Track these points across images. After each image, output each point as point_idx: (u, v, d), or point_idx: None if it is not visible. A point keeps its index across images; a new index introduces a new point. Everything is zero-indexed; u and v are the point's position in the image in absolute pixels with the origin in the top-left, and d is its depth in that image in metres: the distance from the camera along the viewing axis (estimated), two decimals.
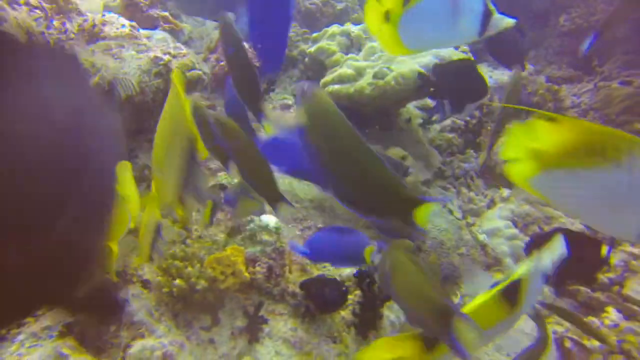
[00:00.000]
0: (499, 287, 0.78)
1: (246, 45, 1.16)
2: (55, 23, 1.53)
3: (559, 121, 0.61)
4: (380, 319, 1.31)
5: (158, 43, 1.53)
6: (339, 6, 3.34)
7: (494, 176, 2.21)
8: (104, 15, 1.50)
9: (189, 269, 1.05)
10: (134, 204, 0.92)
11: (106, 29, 1.47)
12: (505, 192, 2.03)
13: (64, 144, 0.30)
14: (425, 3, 0.80)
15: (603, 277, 1.66)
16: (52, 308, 0.70)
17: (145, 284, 1.17)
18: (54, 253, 0.31)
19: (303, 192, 1.81)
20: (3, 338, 0.82)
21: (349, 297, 1.30)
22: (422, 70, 1.94)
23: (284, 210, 0.85)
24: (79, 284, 0.35)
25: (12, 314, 0.35)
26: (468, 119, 2.61)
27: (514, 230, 1.79)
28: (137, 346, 0.90)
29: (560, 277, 1.34)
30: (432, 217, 1.70)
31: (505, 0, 3.74)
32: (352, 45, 2.40)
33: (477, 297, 0.81)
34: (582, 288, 1.58)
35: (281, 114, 2.04)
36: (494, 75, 2.76)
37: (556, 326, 1.50)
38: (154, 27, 2.14)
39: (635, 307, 1.48)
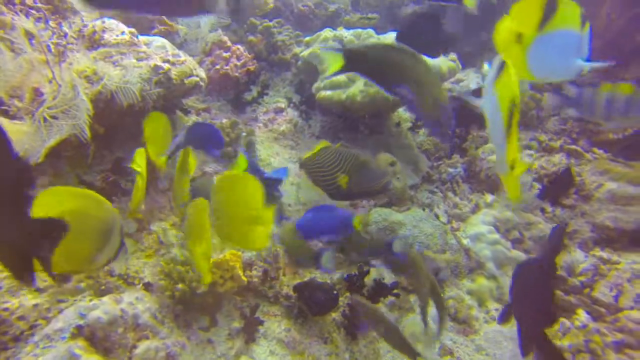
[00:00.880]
0: None
1: None
2: (52, 24, 1.55)
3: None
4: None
5: (157, 50, 1.56)
6: (331, 8, 3.38)
7: (479, 181, 2.31)
8: (104, 22, 1.52)
9: (191, 273, 1.11)
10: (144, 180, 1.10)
11: (106, 35, 1.50)
12: (489, 197, 2.13)
13: None
14: (559, 33, 0.87)
15: (575, 280, 1.77)
16: None
17: (147, 286, 1.22)
18: None
19: (304, 197, 1.87)
20: (17, 339, 0.87)
21: (340, 299, 1.38)
22: None
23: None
24: None
25: None
26: (453, 122, 2.70)
27: (496, 236, 1.89)
28: (142, 347, 0.96)
29: None
30: (419, 221, 1.79)
31: (488, 10, 3.82)
32: None
33: None
34: (557, 292, 1.69)
35: None
36: (481, 82, 2.85)
37: None
38: (150, 29, 2.16)
39: (602, 309, 1.60)
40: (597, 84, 1.54)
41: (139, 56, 1.48)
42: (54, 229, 0.69)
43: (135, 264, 1.32)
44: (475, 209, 2.15)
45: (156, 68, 1.45)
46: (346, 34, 2.50)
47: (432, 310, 1.64)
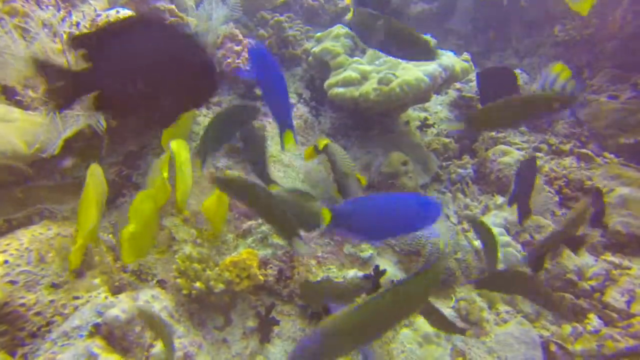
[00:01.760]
0: None
1: None
2: (63, 12, 1.51)
3: None
4: None
5: None
6: (341, 4, 3.35)
7: (488, 183, 2.30)
8: (118, 12, 1.48)
9: (208, 272, 1.09)
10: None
11: None
12: (499, 199, 2.12)
13: None
14: None
15: (585, 284, 1.77)
16: None
17: (162, 283, 1.20)
18: None
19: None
20: (34, 335, 0.85)
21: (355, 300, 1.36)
22: (426, 79, 1.99)
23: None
24: None
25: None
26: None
27: (507, 238, 1.88)
28: (159, 346, 0.94)
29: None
30: None
31: (500, 9, 3.81)
32: (356, 48, 2.43)
33: None
34: (567, 295, 1.69)
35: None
36: None
37: (542, 330, 1.61)
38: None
39: (614, 314, 1.60)
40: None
41: None
42: None
43: (148, 260, 1.30)
44: (485, 210, 2.14)
45: None
46: None
47: (445, 312, 1.63)
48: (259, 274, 1.17)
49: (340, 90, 2.12)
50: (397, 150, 2.21)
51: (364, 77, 2.15)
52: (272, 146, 2.01)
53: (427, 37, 2.51)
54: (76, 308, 0.96)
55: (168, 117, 0.77)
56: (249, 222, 1.41)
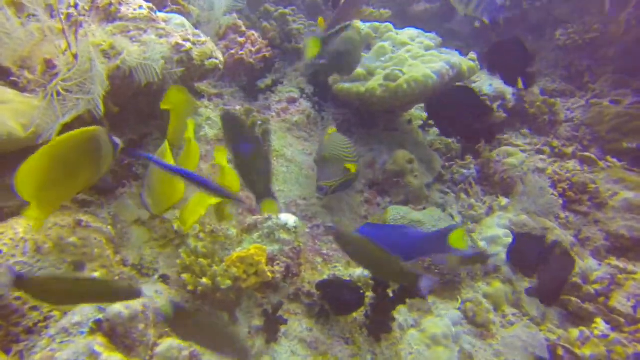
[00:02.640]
0: None
1: None
2: None
3: None
4: (392, 321, 1.34)
5: (177, 28, 1.46)
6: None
7: (492, 184, 2.28)
8: None
9: (215, 267, 1.03)
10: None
11: (123, 9, 1.40)
12: (504, 200, 2.10)
13: None
14: None
15: (590, 288, 1.75)
16: None
17: (164, 279, 1.14)
18: None
19: (312, 191, 1.80)
20: (30, 331, 0.78)
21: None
22: (434, 76, 1.96)
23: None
24: None
25: None
26: None
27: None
28: (164, 345, 0.88)
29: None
30: (438, 221, 1.74)
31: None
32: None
33: None
34: (573, 298, 1.67)
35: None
36: (493, 83, 2.83)
37: (548, 334, 1.59)
38: (162, 8, 2.05)
39: (621, 319, 1.58)
40: None
41: (159, 33, 1.38)
42: None
43: (149, 253, 1.23)
44: (489, 211, 2.12)
45: (177, 46, 1.35)
46: (363, 26, 2.44)
47: (452, 313, 1.60)
48: (267, 271, 1.12)
49: (346, 85, 2.07)
50: (401, 148, 2.18)
51: (370, 73, 2.11)
52: (275, 141, 1.96)
53: (432, 34, 2.48)
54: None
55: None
56: (254, 217, 1.36)
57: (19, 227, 0.95)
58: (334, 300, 1.25)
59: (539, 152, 2.48)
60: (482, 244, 1.88)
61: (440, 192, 2.25)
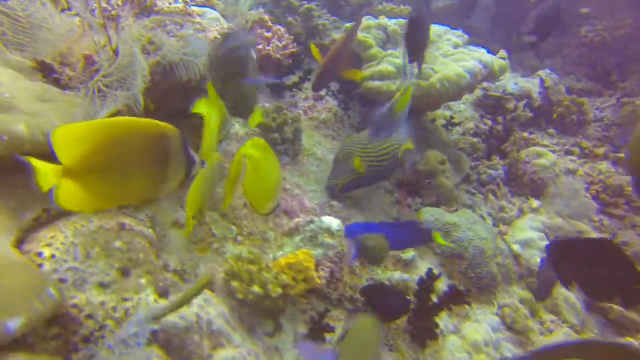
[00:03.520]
0: None
1: None
2: None
3: None
4: (437, 327, 1.30)
5: (212, 23, 1.42)
6: None
7: (521, 185, 2.23)
8: None
9: (266, 274, 1.00)
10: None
11: (159, 2, 1.35)
12: (535, 203, 2.05)
13: None
14: None
15: None
16: None
17: (210, 285, 1.10)
18: None
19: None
20: (87, 340, 0.75)
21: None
22: (467, 75, 1.91)
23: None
24: None
25: None
26: (490, 123, 2.61)
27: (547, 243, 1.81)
28: (218, 357, 0.85)
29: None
30: (473, 224, 1.70)
31: (521, 10, 3.73)
32: (389, 40, 2.33)
33: None
34: (615, 306, 1.62)
35: None
36: (519, 82, 2.77)
37: None
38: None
39: None
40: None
41: (196, 27, 1.34)
42: None
43: (190, 258, 1.20)
44: (520, 213, 2.07)
45: (215, 41, 1.31)
46: (390, 23, 2.38)
47: (490, 319, 1.56)
48: (316, 277, 1.09)
49: (376, 83, 2.02)
50: (428, 148, 2.13)
51: (400, 71, 2.06)
52: (305, 139, 1.91)
53: (459, 31, 2.43)
54: (127, 311, 0.86)
55: None
56: (296, 220, 1.32)
57: (68, 230, 0.92)
58: (379, 307, 1.21)
59: (568, 152, 2.43)
60: (516, 247, 1.84)
61: (467, 193, 2.20)
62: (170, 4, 1.39)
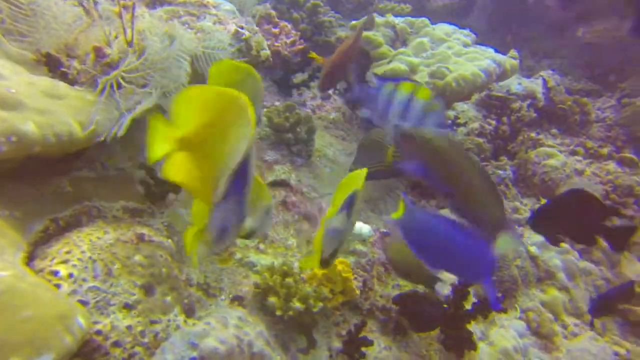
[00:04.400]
0: None
1: None
2: None
3: None
4: (469, 336, 1.24)
5: (228, 15, 1.32)
6: None
7: (530, 186, 2.21)
8: None
9: (307, 287, 0.91)
10: None
11: None
12: None
13: None
14: None
15: None
16: None
17: (239, 300, 1.01)
18: None
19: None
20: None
21: None
22: (482, 74, 1.87)
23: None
24: None
25: None
26: (494, 123, 2.59)
27: (565, 244, 1.79)
28: None
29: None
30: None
31: (518, 10, 3.72)
32: (397, 38, 2.28)
33: None
34: (637, 308, 1.61)
35: None
36: (522, 82, 2.76)
37: (615, 347, 1.52)
38: None
39: None
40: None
41: (213, 19, 1.24)
42: None
43: (211, 270, 1.10)
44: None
45: (237, 34, 1.22)
46: (397, 21, 2.32)
47: (515, 323, 1.52)
48: (355, 289, 1.01)
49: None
50: None
51: (412, 70, 2.00)
52: (317, 140, 1.83)
53: (466, 30, 2.39)
54: (156, 335, 0.76)
55: None
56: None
57: (84, 244, 0.81)
58: (414, 316, 1.14)
59: (573, 153, 2.43)
60: (533, 248, 1.81)
61: None
62: None
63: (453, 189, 1.01)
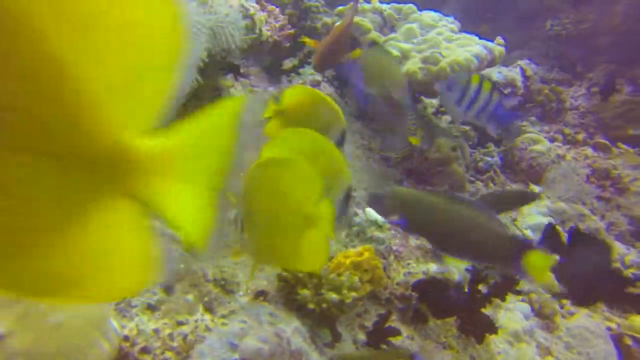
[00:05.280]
0: None
1: None
2: None
3: None
4: (489, 320, 1.24)
5: None
6: None
7: (517, 172, 2.27)
8: None
9: (341, 277, 0.85)
10: None
11: None
12: (536, 188, 2.09)
13: None
14: None
15: (629, 273, 1.79)
16: None
17: (262, 296, 0.93)
18: None
19: (358, 182, 1.65)
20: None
21: None
22: (475, 60, 1.88)
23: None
24: None
25: None
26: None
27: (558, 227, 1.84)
28: None
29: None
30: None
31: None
32: (385, 25, 2.24)
33: None
34: (632, 289, 1.68)
35: None
36: (502, 71, 2.83)
37: (606, 322, 1.58)
38: None
39: None
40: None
41: None
42: None
43: (225, 264, 1.01)
44: None
45: (243, 9, 1.12)
46: (385, 7, 2.29)
47: (519, 305, 1.54)
48: (384, 276, 0.96)
49: None
50: (432, 135, 2.09)
51: (405, 56, 1.98)
52: None
53: (451, 18, 2.40)
54: (185, 338, 0.67)
55: None
56: None
57: None
58: (435, 302, 1.12)
59: (552, 139, 2.52)
60: (527, 232, 1.85)
61: (467, 181, 2.19)
62: None
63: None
